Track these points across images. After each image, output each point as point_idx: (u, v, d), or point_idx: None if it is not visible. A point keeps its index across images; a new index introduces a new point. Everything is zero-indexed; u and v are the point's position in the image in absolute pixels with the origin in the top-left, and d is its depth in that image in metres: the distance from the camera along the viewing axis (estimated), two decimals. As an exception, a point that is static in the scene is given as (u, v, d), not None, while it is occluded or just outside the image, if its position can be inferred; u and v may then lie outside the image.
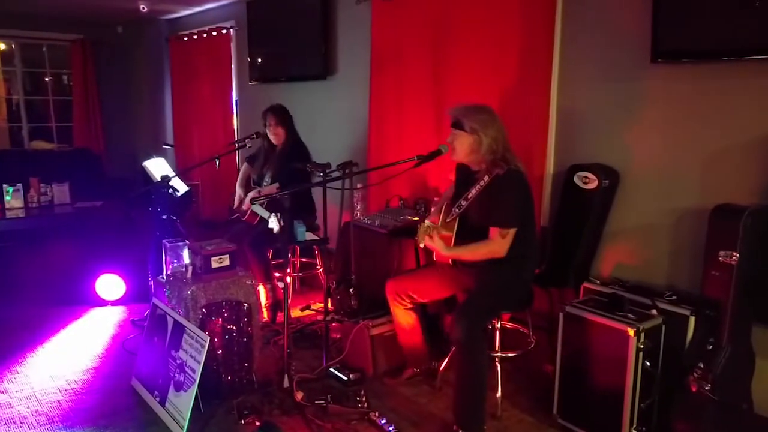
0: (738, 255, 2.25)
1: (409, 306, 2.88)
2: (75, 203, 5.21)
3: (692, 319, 2.48)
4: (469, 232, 2.71)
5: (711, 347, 2.33)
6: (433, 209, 3.05)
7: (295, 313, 3.94)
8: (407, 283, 2.89)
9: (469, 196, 2.67)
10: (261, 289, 3.63)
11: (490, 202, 2.61)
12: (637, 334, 2.35)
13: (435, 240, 2.59)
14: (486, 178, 2.63)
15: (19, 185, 5.01)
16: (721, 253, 2.30)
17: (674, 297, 2.62)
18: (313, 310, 3.98)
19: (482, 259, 2.62)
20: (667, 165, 2.88)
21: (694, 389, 2.31)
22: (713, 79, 2.69)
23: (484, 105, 2.76)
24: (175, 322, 2.75)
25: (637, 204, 3.00)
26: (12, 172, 5.40)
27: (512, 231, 2.57)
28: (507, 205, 2.58)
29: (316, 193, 3.71)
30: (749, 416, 2.45)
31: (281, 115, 3.92)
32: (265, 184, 3.92)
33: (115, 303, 4.16)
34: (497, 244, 2.57)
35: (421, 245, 2.61)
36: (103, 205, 5.23)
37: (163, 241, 3.18)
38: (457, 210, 2.71)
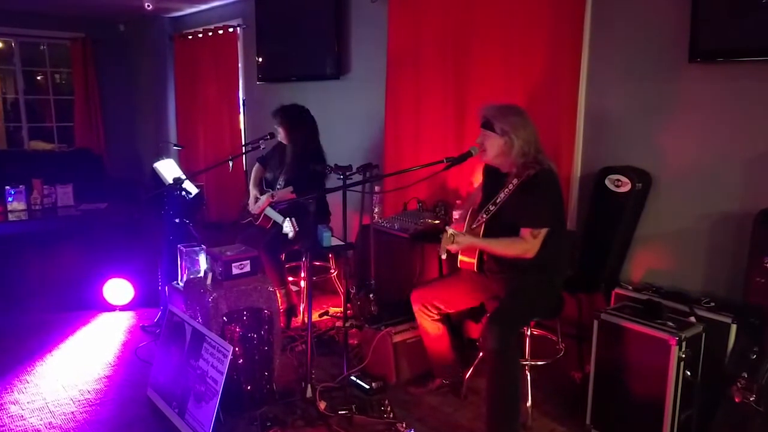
0: (786, 261, 2.19)
1: (436, 317, 2.79)
2: (79, 205, 5.08)
3: (734, 327, 2.40)
4: (497, 237, 2.62)
5: (755, 356, 2.25)
6: (455, 215, 2.93)
7: (313, 318, 3.83)
8: (433, 293, 2.80)
9: (497, 200, 2.58)
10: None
11: (521, 203, 2.52)
12: (679, 343, 2.27)
13: (463, 238, 2.48)
14: (515, 180, 2.54)
15: (22, 187, 4.88)
16: (767, 259, 2.23)
17: (712, 304, 2.55)
18: (331, 315, 3.89)
19: (511, 257, 2.53)
20: (704, 168, 2.80)
21: (737, 400, 2.23)
22: (757, 81, 2.60)
23: (516, 105, 2.68)
24: (194, 330, 2.65)
25: (671, 208, 2.92)
26: (12, 174, 5.26)
27: (543, 231, 2.49)
28: (538, 205, 2.50)
29: (331, 196, 3.61)
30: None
31: (281, 116, 3.78)
32: (278, 186, 3.81)
33: (123, 308, 4.05)
34: (529, 243, 2.49)
35: (443, 256, 2.46)
36: (107, 207, 5.11)
37: (179, 246, 3.07)
38: (484, 215, 2.61)
